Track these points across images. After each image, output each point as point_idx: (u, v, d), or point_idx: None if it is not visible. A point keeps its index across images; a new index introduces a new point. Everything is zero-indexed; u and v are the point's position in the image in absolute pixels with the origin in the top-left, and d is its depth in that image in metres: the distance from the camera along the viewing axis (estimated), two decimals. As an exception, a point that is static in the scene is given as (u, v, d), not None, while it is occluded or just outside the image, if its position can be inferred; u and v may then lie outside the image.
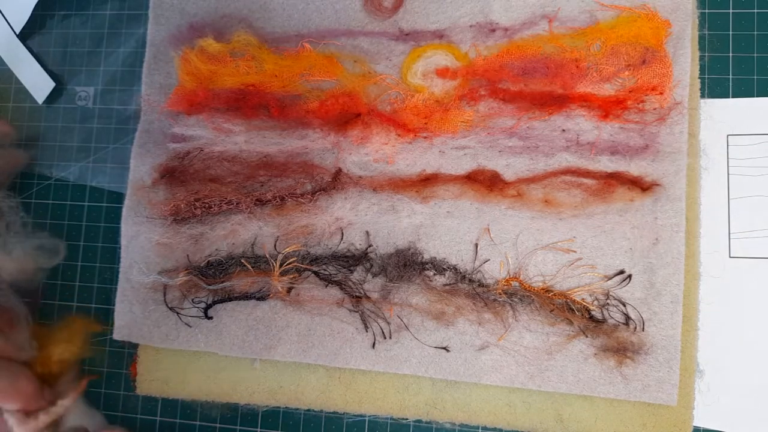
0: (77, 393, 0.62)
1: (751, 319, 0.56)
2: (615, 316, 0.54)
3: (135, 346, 0.63)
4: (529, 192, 0.57)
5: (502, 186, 0.57)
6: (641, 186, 0.55)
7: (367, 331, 0.57)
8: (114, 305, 0.62)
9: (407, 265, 0.57)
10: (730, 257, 0.57)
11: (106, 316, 0.66)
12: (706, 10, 0.59)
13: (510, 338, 0.55)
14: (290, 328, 0.59)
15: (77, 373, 0.64)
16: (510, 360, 0.55)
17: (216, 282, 0.59)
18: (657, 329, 0.54)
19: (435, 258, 0.58)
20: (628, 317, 0.54)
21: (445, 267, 0.57)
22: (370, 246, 0.59)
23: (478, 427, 0.59)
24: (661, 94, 0.55)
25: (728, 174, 0.57)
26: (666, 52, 0.56)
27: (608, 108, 0.56)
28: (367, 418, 0.61)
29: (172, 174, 0.62)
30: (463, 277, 0.57)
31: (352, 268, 0.58)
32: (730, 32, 0.59)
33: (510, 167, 0.58)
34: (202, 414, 0.64)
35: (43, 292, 0.67)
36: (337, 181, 0.59)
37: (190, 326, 0.60)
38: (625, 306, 0.54)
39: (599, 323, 0.54)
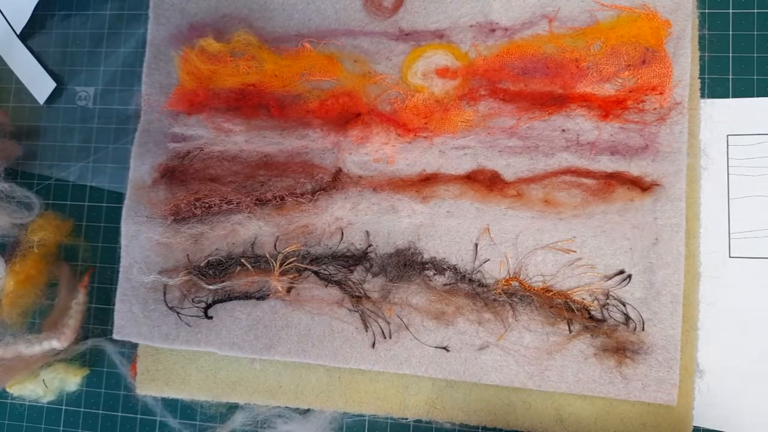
0: (84, 289, 0.65)
1: (751, 319, 0.56)
2: (615, 316, 0.54)
3: (135, 346, 0.63)
4: (529, 192, 0.57)
5: (502, 186, 0.57)
6: (641, 186, 0.55)
7: (367, 331, 0.57)
8: (114, 305, 0.62)
9: (407, 265, 0.57)
10: (730, 257, 0.57)
11: (106, 316, 0.66)
12: (706, 10, 0.59)
13: (510, 338, 0.55)
14: (290, 328, 0.59)
15: (71, 272, 0.67)
16: (510, 360, 0.55)
17: (216, 282, 0.59)
18: (657, 329, 0.54)
19: (435, 258, 0.58)
20: (628, 317, 0.54)
21: (445, 267, 0.57)
22: (370, 246, 0.59)
23: (478, 427, 0.59)
24: (661, 94, 0.55)
25: (728, 174, 0.57)
26: (666, 52, 0.56)
27: (608, 108, 0.56)
28: (367, 418, 0.61)
29: (172, 174, 0.62)
30: (463, 277, 0.57)
31: (352, 268, 0.58)
32: (730, 32, 0.59)
33: (510, 167, 0.58)
34: (202, 414, 0.64)
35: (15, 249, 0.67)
36: (337, 181, 0.59)
37: (190, 326, 0.60)
38: (625, 306, 0.54)
39: (599, 323, 0.54)
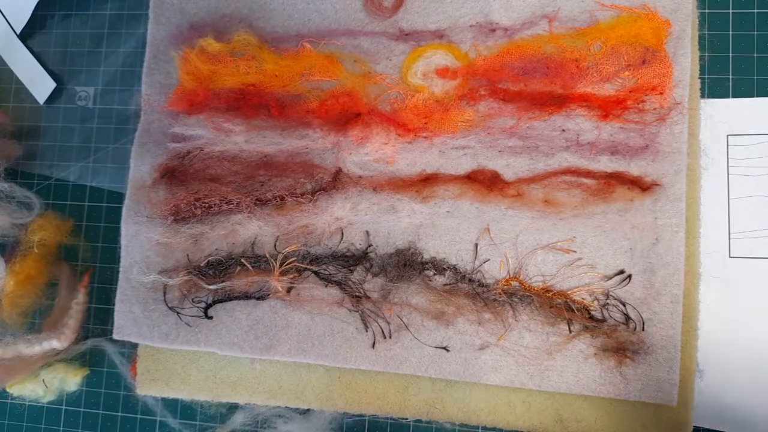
0: (84, 289, 0.66)
1: (751, 319, 0.56)
2: (615, 316, 0.54)
3: (135, 346, 0.63)
4: (529, 192, 0.57)
5: (502, 186, 0.57)
6: (641, 186, 0.55)
7: (367, 331, 0.57)
8: (114, 305, 0.62)
9: (407, 265, 0.57)
10: (730, 257, 0.57)
11: (106, 316, 0.66)
12: (706, 10, 0.59)
13: (510, 338, 0.55)
14: (290, 328, 0.59)
15: (71, 272, 0.67)
16: (510, 360, 0.55)
17: (216, 282, 0.59)
18: (657, 329, 0.54)
19: (435, 258, 0.58)
20: (628, 317, 0.54)
21: (445, 267, 0.57)
22: (370, 246, 0.59)
23: (478, 427, 0.59)
24: (661, 94, 0.55)
25: (728, 174, 0.57)
26: (666, 52, 0.56)
27: (608, 108, 0.56)
28: (367, 418, 0.61)
29: (172, 174, 0.62)
30: (463, 277, 0.57)
31: (352, 268, 0.58)
32: (730, 32, 0.59)
33: (510, 167, 0.58)
34: (202, 414, 0.64)
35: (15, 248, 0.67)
36: (337, 181, 0.59)
37: (190, 326, 0.60)
38: (625, 306, 0.54)
39: (599, 323, 0.54)
